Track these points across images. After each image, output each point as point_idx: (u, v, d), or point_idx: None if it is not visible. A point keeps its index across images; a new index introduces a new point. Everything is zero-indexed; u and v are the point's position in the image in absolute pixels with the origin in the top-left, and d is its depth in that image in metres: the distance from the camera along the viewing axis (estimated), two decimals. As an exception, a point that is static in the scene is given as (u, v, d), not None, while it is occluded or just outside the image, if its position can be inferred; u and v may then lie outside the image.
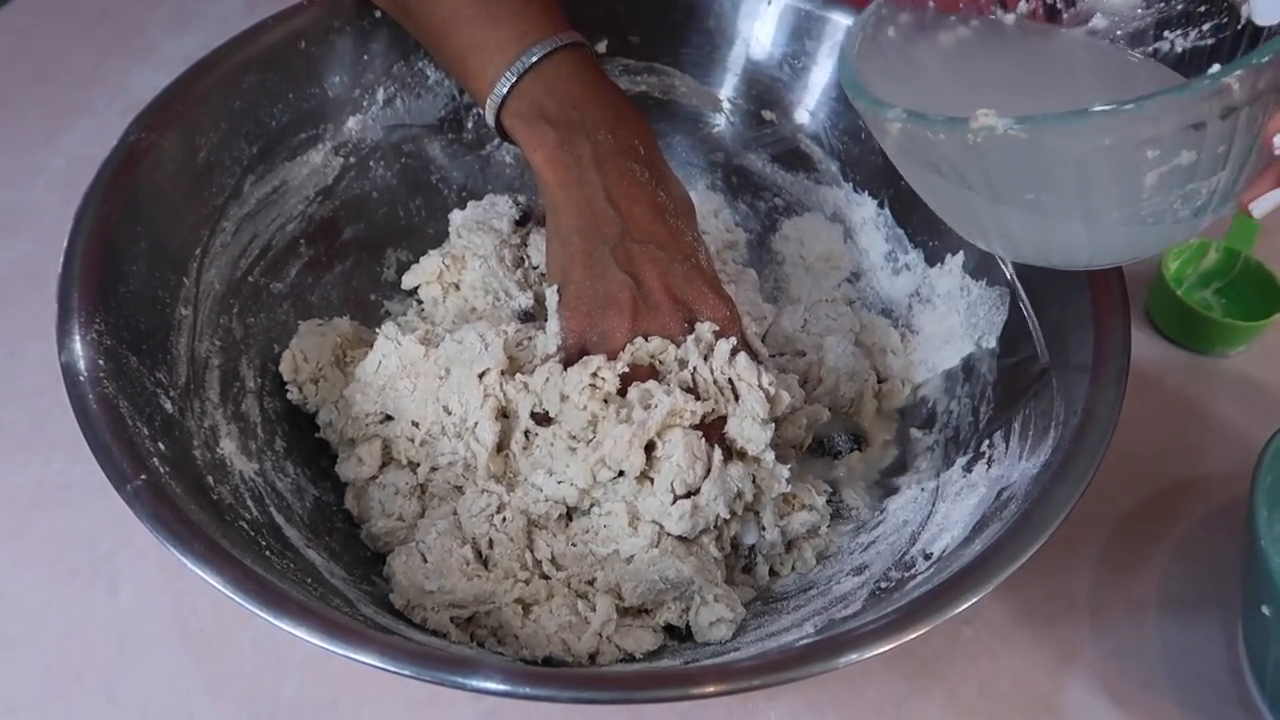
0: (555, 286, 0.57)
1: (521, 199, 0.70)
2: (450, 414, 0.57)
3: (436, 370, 0.58)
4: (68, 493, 0.61)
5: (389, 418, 0.59)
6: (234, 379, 0.60)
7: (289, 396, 0.62)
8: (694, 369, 0.54)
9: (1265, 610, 0.51)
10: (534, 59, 0.58)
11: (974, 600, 0.43)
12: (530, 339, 0.59)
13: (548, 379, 0.55)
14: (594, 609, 0.52)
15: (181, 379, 0.56)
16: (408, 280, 0.68)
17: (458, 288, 0.67)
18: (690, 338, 0.55)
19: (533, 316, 0.66)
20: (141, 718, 0.54)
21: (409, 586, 0.52)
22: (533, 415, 0.55)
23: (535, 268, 0.68)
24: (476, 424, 0.55)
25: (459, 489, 0.57)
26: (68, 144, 0.83)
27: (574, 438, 0.54)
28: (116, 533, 0.60)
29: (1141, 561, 0.61)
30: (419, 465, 0.58)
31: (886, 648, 0.43)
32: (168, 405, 0.54)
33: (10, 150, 0.82)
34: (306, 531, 0.56)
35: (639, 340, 0.55)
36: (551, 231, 0.58)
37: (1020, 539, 0.46)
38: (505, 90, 0.58)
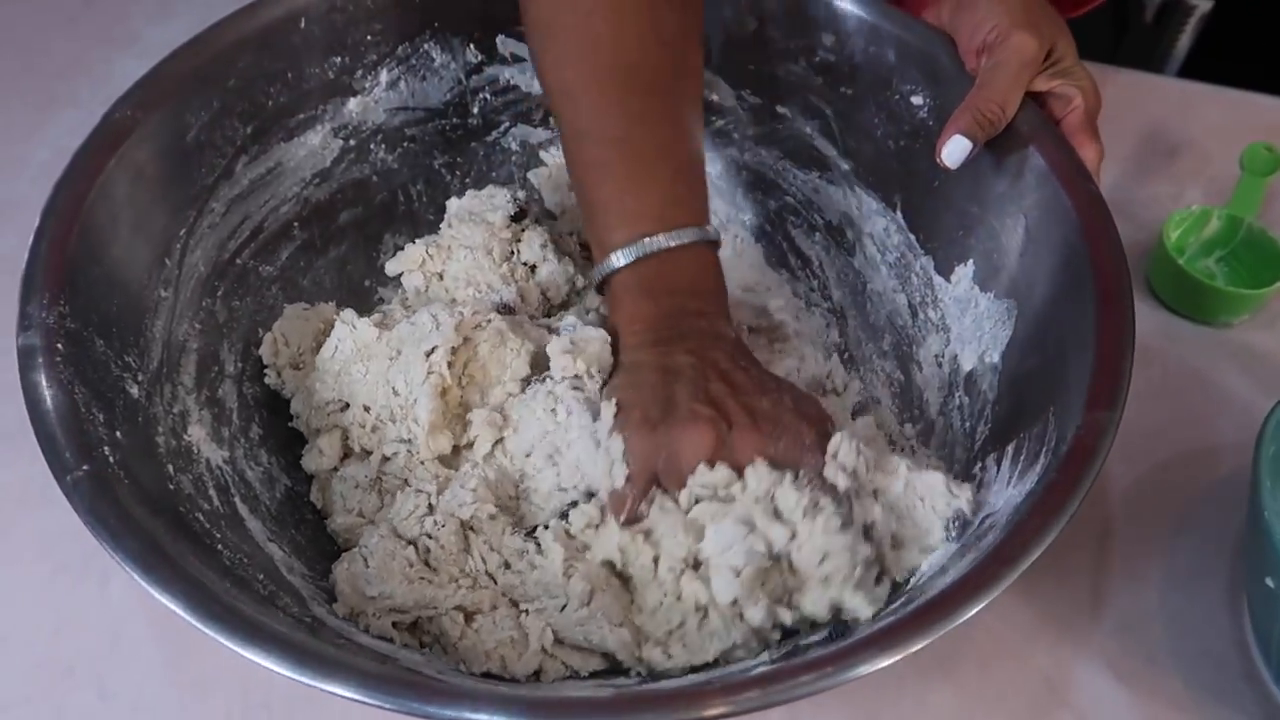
0: (614, 400, 0.53)
1: (521, 194, 0.68)
2: (397, 395, 0.56)
3: (388, 352, 0.57)
4: (55, 489, 0.60)
5: (347, 405, 0.58)
6: (213, 363, 0.60)
7: (266, 380, 0.61)
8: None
9: (1270, 583, 0.50)
10: (658, 248, 0.54)
11: (929, 640, 0.41)
12: (487, 324, 0.57)
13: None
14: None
15: (153, 363, 0.56)
16: (391, 267, 0.67)
17: (441, 277, 0.66)
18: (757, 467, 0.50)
19: (512, 309, 0.64)
20: (134, 713, 0.54)
21: (351, 594, 0.51)
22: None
23: (525, 263, 0.66)
24: (415, 401, 0.54)
25: (406, 482, 0.55)
26: (52, 136, 0.82)
27: None
28: None
29: (1144, 535, 0.60)
30: (371, 453, 0.57)
31: (833, 684, 0.40)
32: (133, 390, 0.53)
33: None
34: (271, 524, 0.55)
35: (702, 469, 0.49)
36: (623, 380, 0.54)
37: (990, 574, 0.43)
38: (621, 264, 0.54)
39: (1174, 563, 0.58)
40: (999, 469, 0.53)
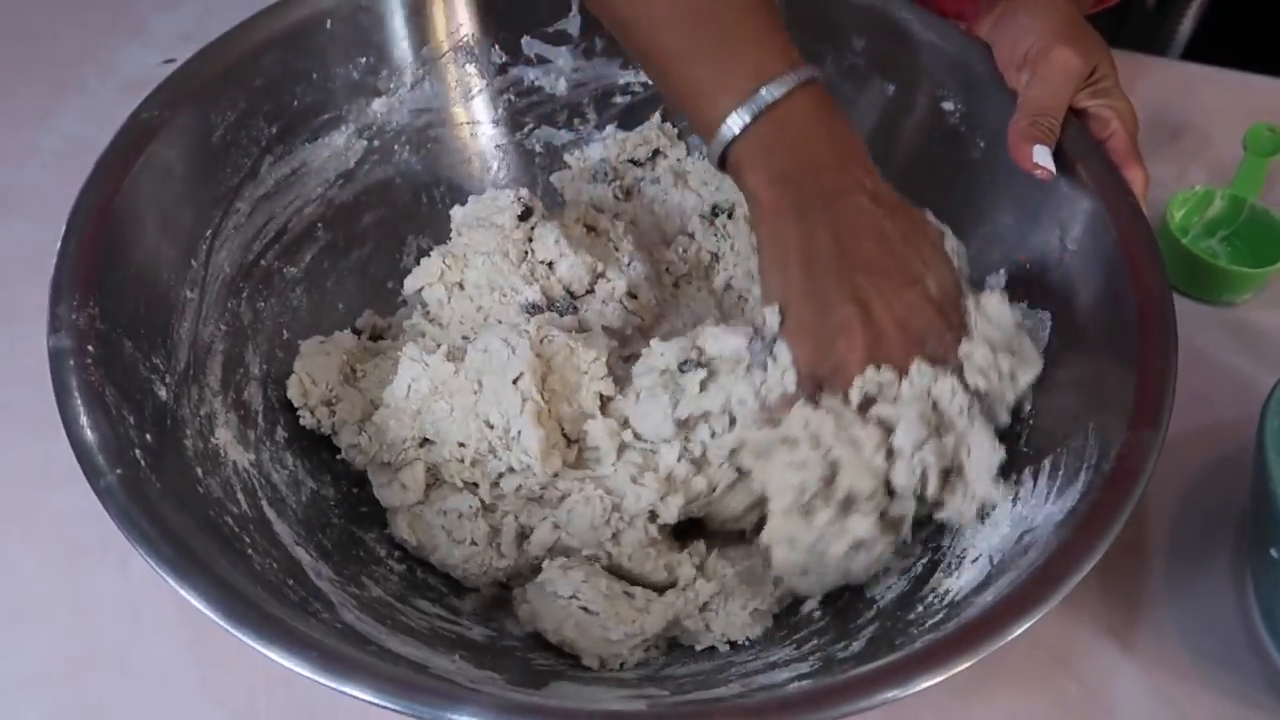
0: (776, 307, 0.53)
1: (524, 193, 0.67)
2: (493, 427, 0.56)
3: (469, 385, 0.56)
4: (74, 470, 0.60)
5: (427, 440, 0.58)
6: (238, 365, 0.59)
7: (302, 422, 0.60)
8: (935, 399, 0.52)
9: (1274, 553, 0.50)
10: (769, 100, 0.52)
11: (976, 659, 0.40)
12: (553, 337, 0.58)
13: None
14: None
15: (180, 364, 0.55)
16: (409, 284, 0.65)
17: (462, 287, 0.65)
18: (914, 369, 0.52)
19: (540, 309, 0.63)
20: (156, 689, 0.55)
21: (592, 643, 0.53)
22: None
23: (543, 261, 0.65)
24: (520, 433, 0.54)
25: (537, 500, 0.56)
26: (61, 123, 0.82)
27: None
28: None
29: (1148, 510, 0.60)
30: (478, 485, 0.57)
31: (871, 704, 0.40)
32: (161, 392, 0.52)
33: (3, 131, 0.81)
34: (298, 527, 0.54)
35: (870, 371, 0.51)
36: (769, 263, 0.54)
37: (1034, 595, 0.42)
38: (736, 131, 0.53)
39: (1178, 538, 0.59)
40: (1035, 484, 0.52)
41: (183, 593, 0.42)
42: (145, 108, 0.58)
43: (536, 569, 0.55)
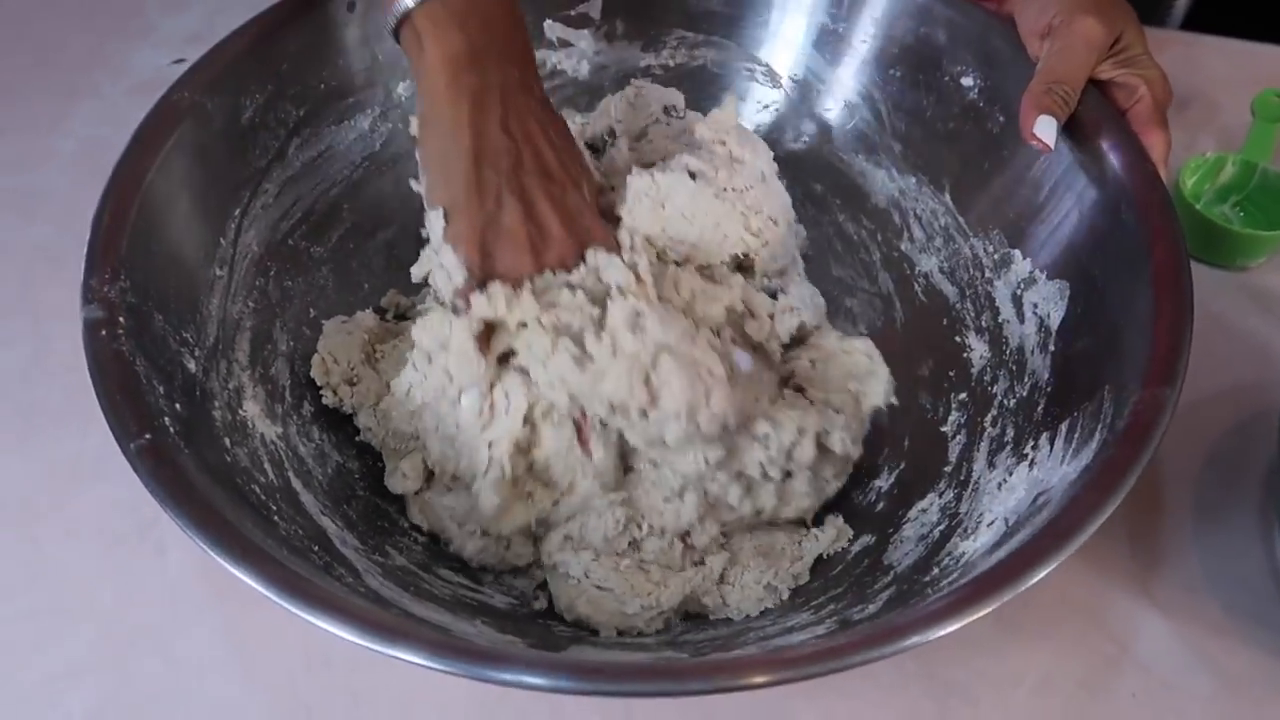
0: (440, 211, 0.54)
1: None
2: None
3: (452, 416, 0.56)
4: (106, 464, 0.59)
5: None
6: (266, 341, 0.61)
7: (324, 400, 0.61)
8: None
9: None
10: None
11: (988, 610, 0.41)
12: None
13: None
14: None
15: (210, 339, 0.56)
16: (415, 272, 0.66)
17: None
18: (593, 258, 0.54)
19: None
20: (200, 674, 0.55)
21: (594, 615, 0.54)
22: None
23: None
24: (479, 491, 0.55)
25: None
26: (75, 126, 0.83)
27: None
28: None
29: (1175, 472, 0.62)
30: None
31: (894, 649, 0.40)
32: (191, 365, 0.54)
33: (20, 135, 0.82)
34: (323, 498, 0.56)
35: (545, 275, 0.54)
36: (435, 153, 0.55)
37: (1045, 548, 0.43)
38: (411, 3, 0.52)
39: (1205, 497, 0.61)
40: (1052, 448, 0.53)
41: (206, 550, 0.43)
42: (176, 90, 0.59)
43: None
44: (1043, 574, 0.42)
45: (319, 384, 0.61)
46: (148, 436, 0.46)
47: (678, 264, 0.60)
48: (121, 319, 0.50)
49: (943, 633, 0.41)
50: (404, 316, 0.68)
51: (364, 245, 0.69)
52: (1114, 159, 0.57)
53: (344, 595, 0.43)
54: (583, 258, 0.54)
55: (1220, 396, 0.64)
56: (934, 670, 0.54)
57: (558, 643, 0.52)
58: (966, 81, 0.66)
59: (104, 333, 0.49)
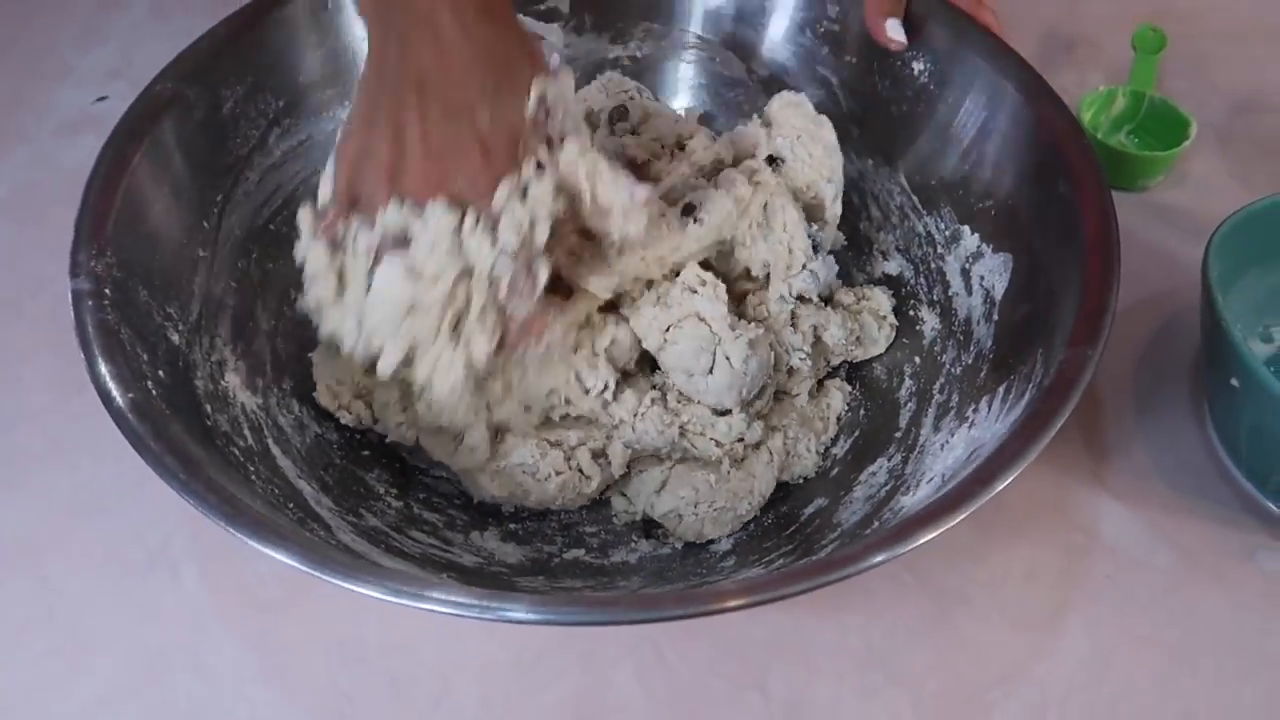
0: (347, 116, 0.54)
1: None
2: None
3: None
4: (103, 496, 0.62)
5: None
6: (248, 319, 0.63)
7: (344, 421, 0.62)
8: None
9: (1234, 382, 0.58)
10: None
11: (907, 549, 0.44)
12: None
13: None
14: None
15: (193, 315, 0.59)
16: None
17: None
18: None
19: None
20: (237, 684, 0.56)
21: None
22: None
23: None
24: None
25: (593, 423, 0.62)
26: (7, 171, 0.81)
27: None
28: (164, 524, 0.61)
29: (1113, 377, 0.69)
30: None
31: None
32: (174, 337, 0.57)
33: None
34: (301, 464, 0.58)
35: (393, 205, 0.51)
36: (365, 72, 0.52)
37: (968, 493, 0.46)
38: None
39: (1141, 394, 0.68)
40: (990, 409, 0.55)
41: (191, 503, 0.45)
42: (160, 80, 0.62)
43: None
44: (959, 519, 0.45)
45: (332, 411, 0.62)
46: (130, 395, 0.49)
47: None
48: (108, 291, 0.53)
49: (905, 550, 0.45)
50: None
51: (344, 230, 0.72)
52: (1041, 131, 0.62)
53: (321, 543, 0.46)
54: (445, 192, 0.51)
55: (1142, 304, 0.72)
56: (927, 579, 0.59)
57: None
58: (918, 66, 0.69)
59: (90, 303, 0.52)
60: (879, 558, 0.44)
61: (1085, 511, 0.62)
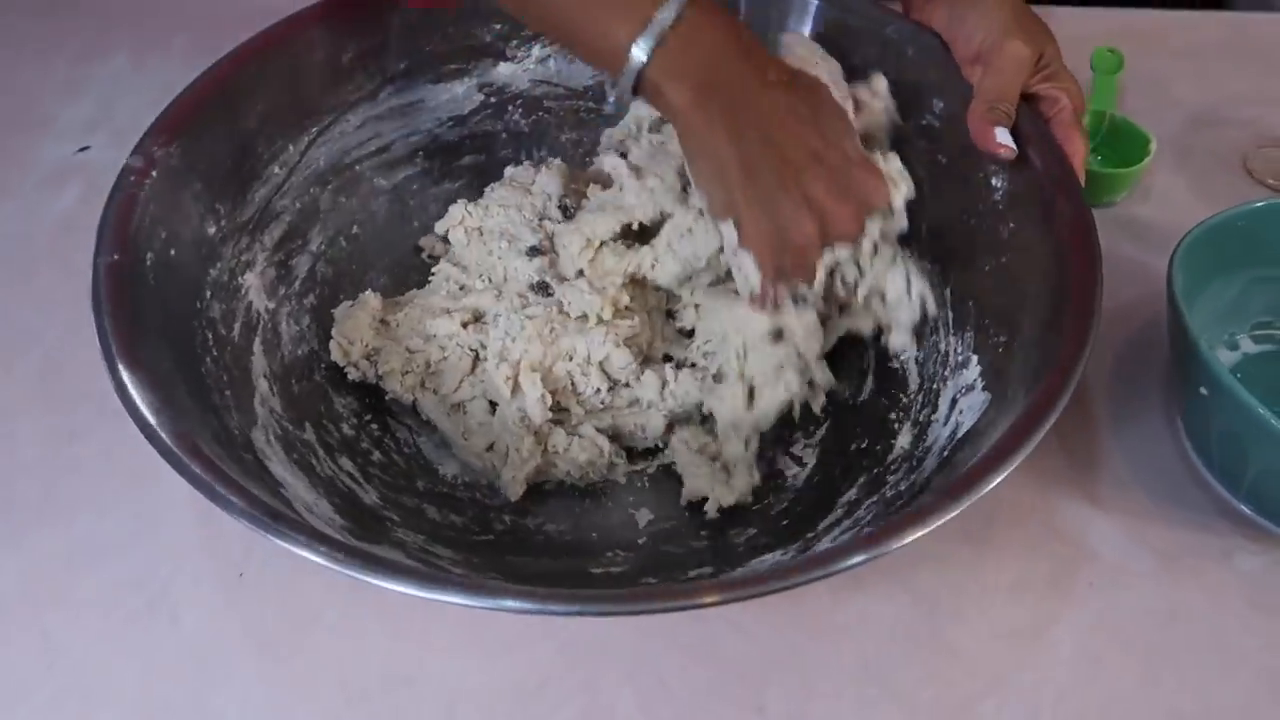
0: (731, 221, 0.58)
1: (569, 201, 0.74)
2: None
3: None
4: (101, 545, 0.63)
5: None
6: (298, 236, 0.70)
7: (350, 376, 0.67)
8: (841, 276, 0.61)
9: (1203, 390, 0.59)
10: (667, 20, 0.55)
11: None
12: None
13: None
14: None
15: (243, 217, 0.66)
16: (439, 226, 0.74)
17: (480, 232, 0.73)
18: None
19: (540, 251, 0.70)
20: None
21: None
22: None
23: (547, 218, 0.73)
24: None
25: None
26: None
27: None
28: (162, 571, 0.61)
29: (1087, 387, 0.71)
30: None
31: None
32: (210, 229, 0.63)
33: None
34: (276, 366, 0.64)
35: (826, 253, 0.58)
36: (709, 177, 0.58)
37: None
38: (644, 58, 0.55)
39: (1116, 405, 0.70)
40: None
41: (120, 374, 0.50)
42: (288, 20, 0.69)
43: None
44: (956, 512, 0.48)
45: (341, 365, 0.67)
46: (115, 257, 0.55)
47: None
48: (155, 173, 0.60)
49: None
50: (436, 258, 0.76)
51: (427, 190, 0.77)
52: (1042, 169, 0.63)
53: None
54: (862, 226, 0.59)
55: (1113, 316, 0.70)
56: (919, 593, 0.61)
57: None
58: (996, 183, 0.65)
59: (132, 178, 0.59)
60: (858, 558, 0.46)
61: (1069, 521, 0.64)
